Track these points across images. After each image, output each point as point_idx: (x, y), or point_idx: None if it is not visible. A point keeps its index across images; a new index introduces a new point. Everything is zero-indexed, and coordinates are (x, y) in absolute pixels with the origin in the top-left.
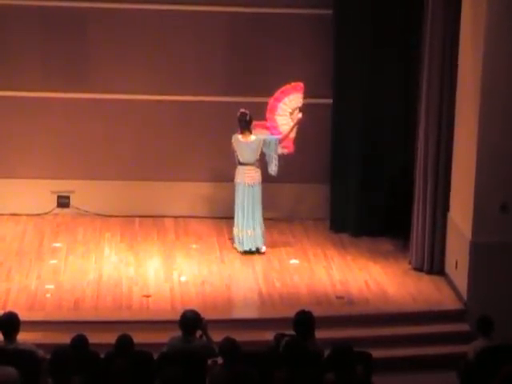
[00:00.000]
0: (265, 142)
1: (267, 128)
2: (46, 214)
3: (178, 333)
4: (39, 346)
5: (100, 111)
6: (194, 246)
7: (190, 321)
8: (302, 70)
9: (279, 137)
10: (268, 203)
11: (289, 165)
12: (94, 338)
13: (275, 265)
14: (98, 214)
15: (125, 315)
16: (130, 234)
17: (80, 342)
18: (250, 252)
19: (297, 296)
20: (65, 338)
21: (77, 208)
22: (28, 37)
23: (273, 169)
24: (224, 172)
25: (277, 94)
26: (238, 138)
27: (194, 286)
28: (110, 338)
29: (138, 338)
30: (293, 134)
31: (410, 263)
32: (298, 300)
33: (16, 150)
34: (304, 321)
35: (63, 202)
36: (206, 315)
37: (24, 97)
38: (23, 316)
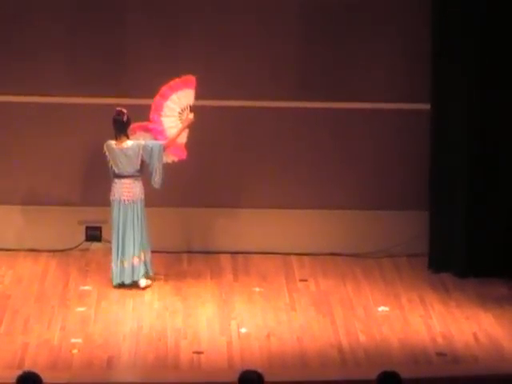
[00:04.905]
0: (145, 149)
1: (149, 130)
2: (71, 249)
3: None
4: None
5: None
6: (257, 289)
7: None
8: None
9: (164, 142)
10: (347, 235)
11: (374, 186)
12: None
13: (359, 313)
14: None
15: (170, 376)
16: (176, 274)
17: None
18: (123, 285)
19: (387, 352)
20: None
21: (110, 242)
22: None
23: (156, 181)
24: (295, 197)
25: (163, 89)
26: (111, 145)
27: (257, 339)
28: None
29: None
30: (182, 139)
31: None
32: (388, 357)
33: (32, 170)
34: None
35: (93, 234)
36: (273, 376)
37: (46, 103)
38: (44, 377)
